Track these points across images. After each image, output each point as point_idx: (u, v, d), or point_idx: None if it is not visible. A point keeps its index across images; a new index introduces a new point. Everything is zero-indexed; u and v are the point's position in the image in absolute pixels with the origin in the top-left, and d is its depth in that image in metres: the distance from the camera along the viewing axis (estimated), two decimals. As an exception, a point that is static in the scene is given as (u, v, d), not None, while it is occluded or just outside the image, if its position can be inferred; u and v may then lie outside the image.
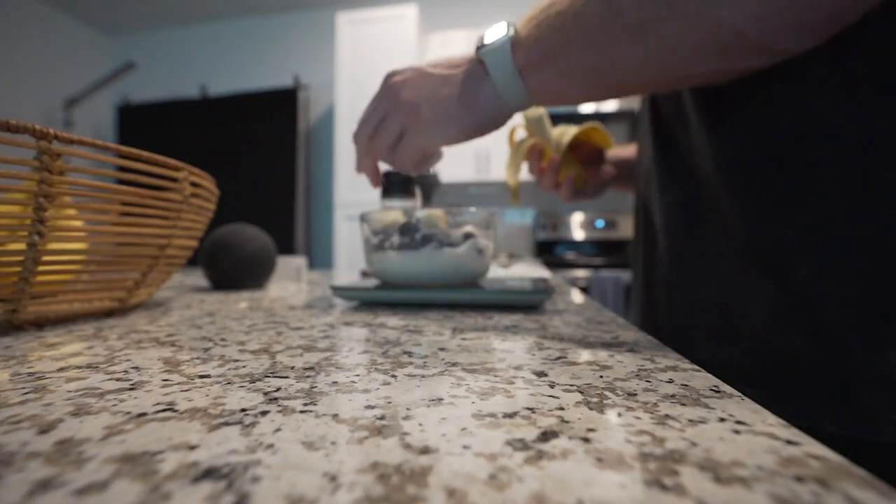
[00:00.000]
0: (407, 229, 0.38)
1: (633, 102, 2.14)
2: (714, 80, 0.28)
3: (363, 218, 0.41)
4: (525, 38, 0.29)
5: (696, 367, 0.18)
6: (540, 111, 0.47)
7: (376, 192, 2.25)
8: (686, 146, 0.37)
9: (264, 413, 0.13)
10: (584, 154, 0.53)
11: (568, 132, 0.48)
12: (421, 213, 0.38)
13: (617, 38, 0.26)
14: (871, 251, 0.26)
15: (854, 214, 0.26)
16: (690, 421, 0.12)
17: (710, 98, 0.33)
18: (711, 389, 0.15)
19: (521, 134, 0.51)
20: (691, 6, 0.24)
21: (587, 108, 2.25)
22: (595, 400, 0.14)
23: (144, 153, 0.28)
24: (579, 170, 0.50)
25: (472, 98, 0.31)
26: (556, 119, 2.33)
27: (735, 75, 0.28)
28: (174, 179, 0.32)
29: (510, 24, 0.30)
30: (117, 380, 0.16)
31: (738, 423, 0.12)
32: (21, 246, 0.25)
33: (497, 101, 0.31)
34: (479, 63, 0.30)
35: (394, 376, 0.17)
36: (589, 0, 0.26)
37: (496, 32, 0.29)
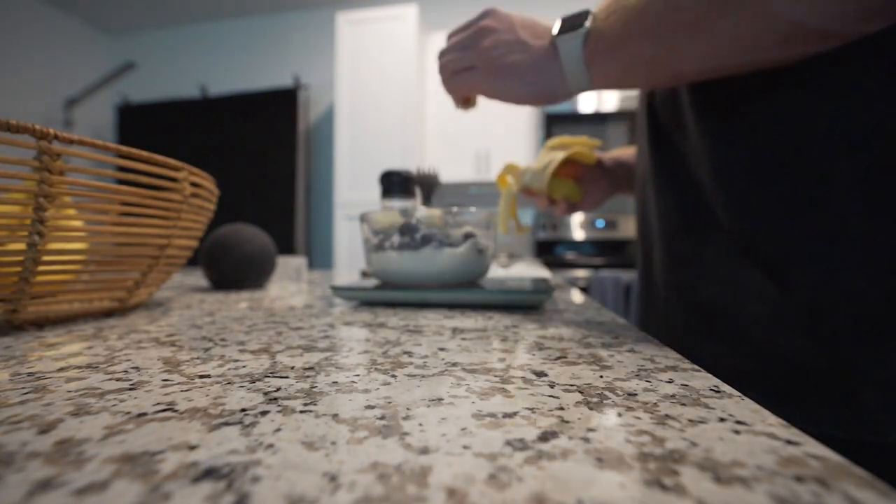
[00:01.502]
0: (407, 229, 0.38)
1: (634, 103, 2.14)
2: (775, 65, 0.28)
3: (363, 218, 0.41)
4: (595, 30, 0.30)
5: (696, 367, 0.18)
6: (512, 189, 0.50)
7: (376, 192, 2.24)
8: (683, 149, 0.37)
9: (264, 413, 0.13)
10: (578, 170, 0.53)
11: (551, 162, 0.49)
12: (419, 214, 0.38)
13: (676, 32, 0.27)
14: (881, 251, 0.26)
15: (865, 215, 0.26)
16: (690, 421, 0.12)
17: (708, 102, 0.32)
18: (711, 389, 0.15)
19: (511, 180, 0.52)
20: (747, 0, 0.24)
21: (587, 107, 2.25)
22: (595, 400, 0.14)
23: (144, 153, 0.28)
24: (572, 187, 0.51)
25: (538, 73, 0.33)
26: (554, 119, 2.33)
27: (798, 60, 0.27)
28: (174, 179, 0.32)
29: (591, 15, 0.31)
30: (117, 380, 0.16)
31: (738, 423, 0.12)
32: (21, 246, 0.25)
33: (560, 81, 0.33)
34: (554, 46, 0.33)
35: (394, 376, 0.17)
36: None
37: (575, 21, 0.31)
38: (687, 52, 0.28)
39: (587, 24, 0.31)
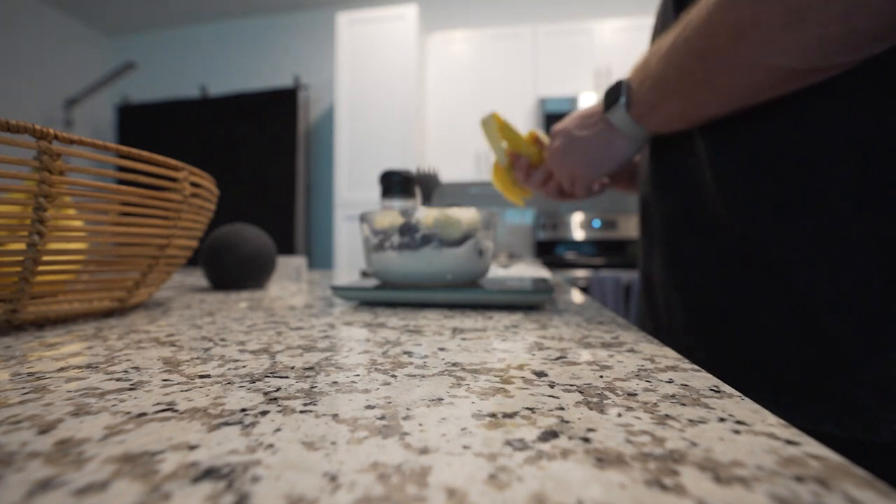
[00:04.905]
0: (407, 229, 0.38)
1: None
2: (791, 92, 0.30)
3: (363, 218, 0.41)
4: (635, 95, 0.36)
5: (696, 367, 0.18)
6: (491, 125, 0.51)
7: (376, 192, 2.25)
8: (684, 152, 0.37)
9: (264, 413, 0.13)
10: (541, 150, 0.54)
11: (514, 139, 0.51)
12: (419, 214, 0.38)
13: (693, 90, 0.31)
14: (876, 252, 0.26)
15: (862, 216, 0.26)
16: (690, 421, 0.12)
17: None
18: (711, 389, 0.15)
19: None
20: (741, 58, 0.27)
21: (586, 106, 2.24)
22: (595, 400, 0.14)
23: (144, 153, 0.28)
24: (533, 151, 0.51)
25: (608, 147, 0.41)
26: (552, 119, 2.33)
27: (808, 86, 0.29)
28: (174, 179, 0.32)
29: (624, 84, 0.37)
30: (117, 380, 0.16)
31: (738, 423, 0.12)
32: (21, 246, 0.25)
33: (627, 141, 0.40)
34: (606, 121, 0.40)
35: (394, 376, 0.17)
36: (668, 64, 0.32)
37: (613, 95, 0.38)
38: (707, 104, 0.31)
39: (623, 94, 0.37)
